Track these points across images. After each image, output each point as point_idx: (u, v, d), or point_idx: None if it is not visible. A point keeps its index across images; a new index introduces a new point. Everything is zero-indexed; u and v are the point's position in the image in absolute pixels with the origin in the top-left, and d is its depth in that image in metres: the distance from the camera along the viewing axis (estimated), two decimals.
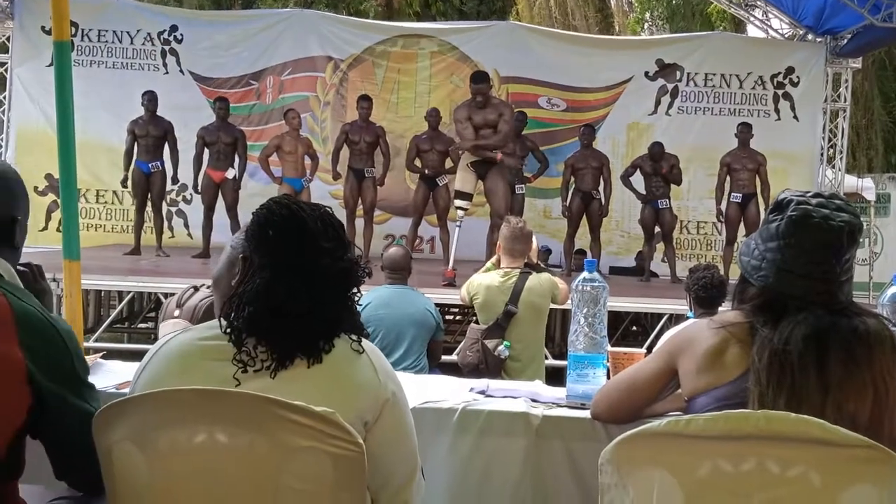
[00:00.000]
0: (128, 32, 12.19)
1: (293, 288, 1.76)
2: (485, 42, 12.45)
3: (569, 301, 2.88)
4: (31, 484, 1.85)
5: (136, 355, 2.13)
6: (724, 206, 10.30)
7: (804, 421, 1.56)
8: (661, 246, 10.80)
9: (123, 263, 9.53)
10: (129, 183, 10.20)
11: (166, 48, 12.22)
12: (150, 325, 10.13)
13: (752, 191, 10.12)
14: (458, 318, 9.40)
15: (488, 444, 2.24)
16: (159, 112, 10.22)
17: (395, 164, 10.87)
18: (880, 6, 10.53)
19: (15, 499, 1.80)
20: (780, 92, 12.35)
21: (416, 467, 1.89)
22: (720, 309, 4.79)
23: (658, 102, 12.43)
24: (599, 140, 10.97)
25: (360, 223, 9.98)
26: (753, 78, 12.34)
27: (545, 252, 10.43)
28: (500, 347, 4.99)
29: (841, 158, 12.67)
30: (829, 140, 12.62)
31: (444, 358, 5.59)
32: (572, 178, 10.37)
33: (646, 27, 21.86)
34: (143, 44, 12.21)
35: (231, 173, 10.15)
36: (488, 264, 5.40)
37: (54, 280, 5.19)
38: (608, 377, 2.35)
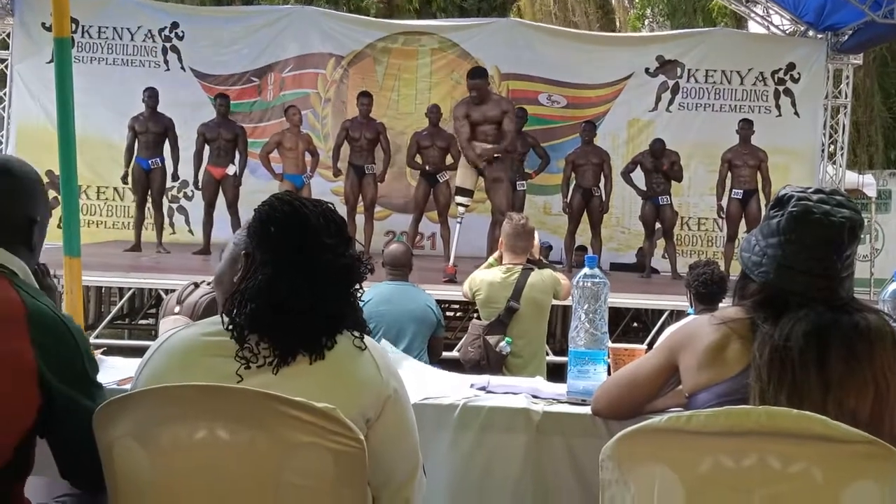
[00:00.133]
0: (128, 29, 12.17)
1: (295, 284, 1.76)
2: (485, 39, 12.43)
3: (570, 297, 2.88)
4: (37, 475, 1.85)
5: (137, 352, 2.14)
6: (724, 203, 10.31)
7: (805, 417, 1.56)
8: (661, 242, 10.80)
9: (124, 260, 9.53)
10: (130, 179, 10.19)
11: (167, 45, 12.21)
12: (151, 321, 10.14)
13: (753, 187, 10.12)
14: (458, 314, 9.40)
15: (489, 441, 2.24)
16: (160, 109, 10.21)
17: (396, 161, 10.88)
18: (881, 2, 10.52)
19: (20, 499, 1.80)
20: (780, 88, 12.33)
21: (417, 464, 1.89)
22: (721, 305, 4.80)
23: (659, 99, 12.42)
24: (600, 136, 10.96)
25: (360, 220, 9.98)
26: (754, 74, 12.33)
27: (546, 248, 10.43)
28: (502, 343, 4.98)
29: (842, 155, 12.66)
30: (830, 136, 12.61)
31: (445, 354, 5.59)
32: (573, 175, 10.37)
33: (646, 23, 21.84)
34: (144, 40, 12.19)
35: (231, 170, 10.15)
36: (490, 260, 5.39)
37: (55, 276, 5.18)
38: (609, 373, 2.35)
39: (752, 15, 13.52)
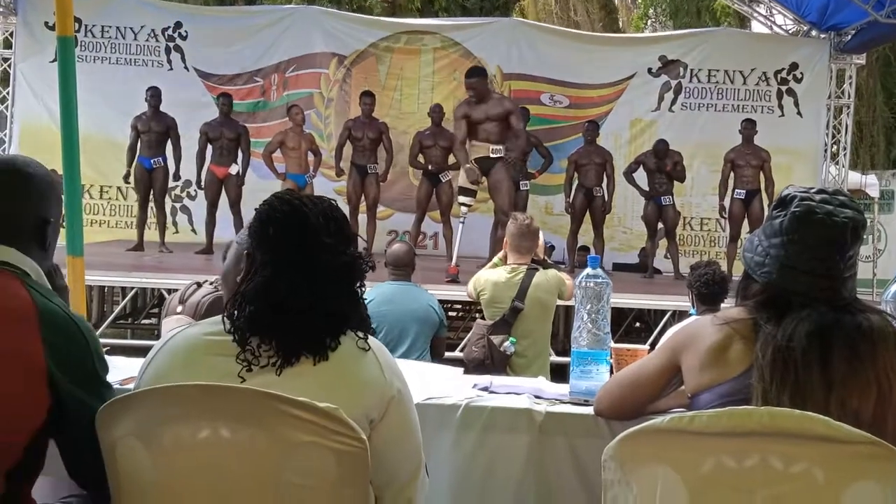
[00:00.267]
0: (131, 28, 12.18)
1: (294, 284, 1.76)
2: (488, 38, 12.44)
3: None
4: (42, 475, 1.86)
5: (140, 351, 2.14)
6: (727, 203, 10.29)
7: (808, 417, 1.56)
8: (663, 242, 10.80)
9: (127, 259, 9.54)
10: (132, 179, 10.21)
11: (171, 44, 12.22)
12: (154, 321, 10.15)
13: (755, 187, 10.11)
14: (461, 314, 9.40)
15: (491, 441, 2.24)
16: (164, 108, 10.22)
17: (398, 161, 10.88)
18: (884, 2, 10.51)
19: (27, 500, 1.80)
20: (783, 88, 12.33)
21: (420, 464, 1.89)
22: (723, 305, 4.80)
23: (661, 99, 12.42)
24: (602, 136, 10.96)
25: (363, 219, 9.98)
26: (757, 74, 12.33)
27: (549, 248, 10.43)
28: (506, 343, 4.99)
29: (845, 155, 12.66)
30: (833, 136, 12.59)
31: (448, 354, 5.59)
32: (576, 175, 10.37)
33: (649, 24, 21.83)
34: (147, 40, 12.21)
35: (234, 169, 10.16)
36: (495, 260, 5.40)
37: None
38: (611, 374, 2.35)
39: (755, 15, 13.52)
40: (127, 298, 9.23)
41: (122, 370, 2.35)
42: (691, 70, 12.39)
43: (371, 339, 1.83)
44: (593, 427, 2.16)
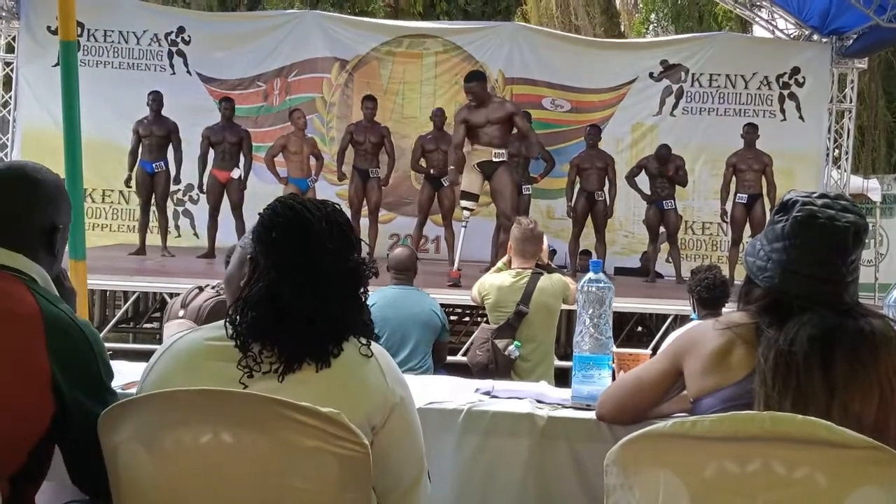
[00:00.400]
0: (134, 33, 12.21)
1: (298, 288, 1.76)
2: (489, 43, 12.46)
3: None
4: (45, 481, 1.86)
5: (142, 355, 2.15)
6: (729, 207, 10.29)
7: (810, 422, 1.56)
8: (665, 246, 10.80)
9: (129, 263, 9.55)
10: (134, 183, 10.22)
11: (173, 49, 12.24)
12: (156, 325, 10.14)
13: (757, 191, 10.10)
14: (463, 318, 9.39)
15: (493, 445, 2.23)
16: (167, 113, 10.24)
17: (400, 165, 10.89)
18: (886, 6, 10.51)
19: None
20: (785, 92, 12.33)
21: (423, 470, 1.89)
22: (724, 309, 4.79)
23: (663, 103, 12.42)
24: (604, 140, 10.95)
25: (364, 223, 9.98)
26: (759, 78, 12.32)
27: (551, 252, 10.43)
28: (511, 347, 4.99)
29: (846, 159, 12.64)
30: (835, 140, 12.59)
31: (450, 358, 5.58)
32: (577, 179, 10.37)
33: (651, 28, 21.83)
34: (150, 44, 12.23)
35: (236, 173, 10.17)
36: (499, 264, 5.41)
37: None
38: (613, 378, 2.35)
39: (757, 19, 13.52)
40: (129, 302, 9.22)
41: (124, 374, 2.34)
42: (693, 74, 12.39)
43: (374, 345, 1.83)
44: (595, 432, 2.16)
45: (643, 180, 10.46)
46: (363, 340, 1.80)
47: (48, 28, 11.51)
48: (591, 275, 2.33)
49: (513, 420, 2.24)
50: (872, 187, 14.64)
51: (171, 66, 12.25)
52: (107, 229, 12.15)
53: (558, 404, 2.32)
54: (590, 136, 10.55)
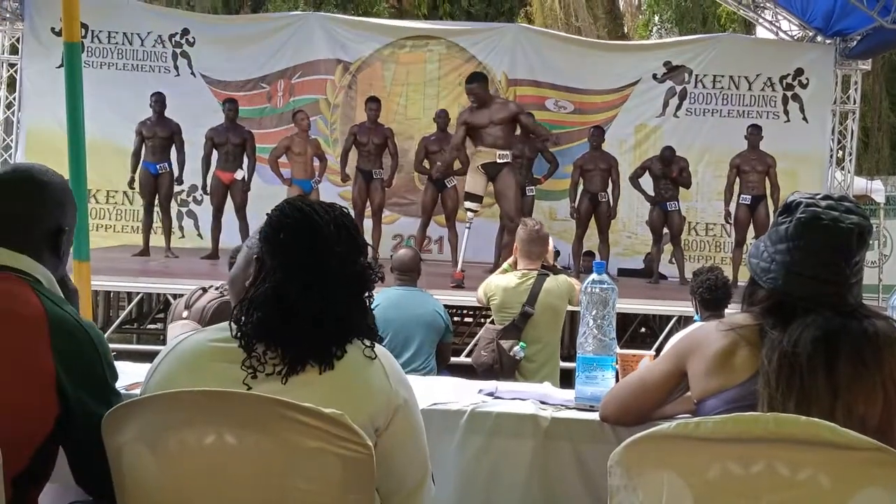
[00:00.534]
0: (138, 34, 12.22)
1: (304, 290, 1.76)
2: (493, 44, 12.45)
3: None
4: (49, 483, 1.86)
5: (146, 356, 2.15)
6: (732, 208, 10.28)
7: (814, 424, 1.56)
8: (668, 247, 10.79)
9: (132, 264, 9.56)
10: (137, 184, 10.23)
11: (177, 51, 12.25)
12: (160, 326, 10.14)
13: (761, 192, 10.09)
14: (466, 320, 9.39)
15: (497, 446, 2.23)
16: (171, 114, 10.25)
17: (404, 166, 10.90)
18: (890, 8, 10.49)
19: None
20: (789, 93, 12.31)
21: (426, 472, 1.89)
22: (727, 311, 4.79)
23: (666, 104, 12.41)
24: (607, 142, 10.93)
25: (368, 224, 9.98)
26: (762, 80, 12.30)
27: (554, 253, 10.44)
28: (516, 348, 5.00)
29: (850, 160, 12.62)
30: (839, 142, 12.57)
31: (453, 360, 5.58)
32: (581, 180, 10.37)
33: (654, 30, 21.81)
34: (154, 46, 12.24)
35: (240, 175, 10.17)
36: (505, 265, 5.42)
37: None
38: (617, 379, 2.35)
39: (761, 20, 13.50)
40: (133, 303, 9.23)
41: (127, 375, 2.35)
42: (696, 76, 12.38)
43: (377, 347, 1.83)
44: (599, 433, 2.16)
45: (647, 182, 10.45)
46: (367, 342, 1.80)
47: (52, 29, 11.53)
48: (594, 276, 2.33)
49: (516, 421, 2.24)
50: (876, 188, 14.63)
51: (176, 67, 12.26)
52: (110, 230, 12.16)
53: (562, 405, 2.32)
54: (593, 138, 10.54)
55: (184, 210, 12.10)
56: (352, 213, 1.92)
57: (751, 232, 10.02)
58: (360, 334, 1.81)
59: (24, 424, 1.70)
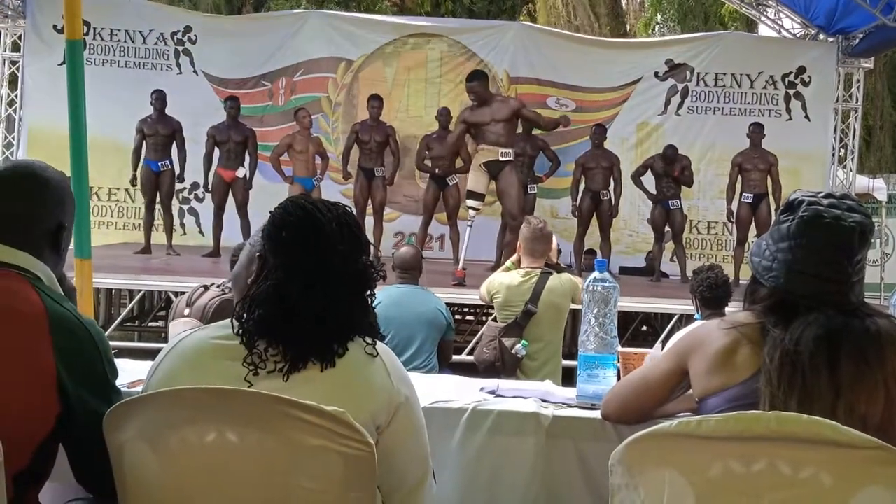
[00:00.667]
0: (140, 32, 12.22)
1: (306, 288, 1.76)
2: (494, 42, 12.45)
3: None
4: (49, 482, 1.86)
5: (147, 354, 2.15)
6: (734, 206, 10.28)
7: (815, 422, 1.56)
8: (670, 246, 10.78)
9: (134, 262, 9.57)
10: (139, 182, 10.24)
11: (180, 48, 12.25)
12: (161, 323, 10.16)
13: (763, 191, 10.09)
14: (468, 318, 9.39)
15: (498, 444, 2.23)
16: (174, 113, 10.25)
17: (405, 164, 10.90)
18: (893, 6, 10.47)
19: None
20: (791, 92, 12.30)
21: (427, 470, 1.89)
22: (728, 309, 4.79)
23: (668, 102, 12.40)
24: (609, 140, 10.91)
25: (370, 222, 9.99)
26: (764, 77, 12.29)
27: (557, 251, 10.43)
28: (518, 346, 5.00)
29: (852, 159, 12.62)
30: (841, 140, 12.57)
31: (455, 357, 5.58)
32: (583, 178, 10.36)
33: (657, 29, 21.78)
34: (156, 44, 12.24)
35: (242, 172, 10.17)
36: (508, 263, 5.41)
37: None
38: (618, 378, 2.35)
39: (763, 18, 13.49)
40: (134, 301, 9.25)
41: (129, 373, 2.35)
42: (698, 74, 12.37)
43: (379, 344, 1.83)
44: (600, 431, 2.16)
45: (649, 180, 10.45)
46: (368, 340, 1.81)
47: (54, 27, 11.53)
48: (596, 274, 2.33)
49: (518, 419, 2.24)
50: (878, 187, 14.61)
51: (178, 65, 12.26)
52: (112, 227, 12.17)
53: (563, 403, 2.32)
54: (595, 136, 10.53)
55: (185, 207, 12.11)
56: (354, 211, 1.92)
57: (752, 230, 10.02)
58: (362, 332, 1.81)
59: (26, 423, 1.70)
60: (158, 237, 10.43)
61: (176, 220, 11.17)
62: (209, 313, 4.05)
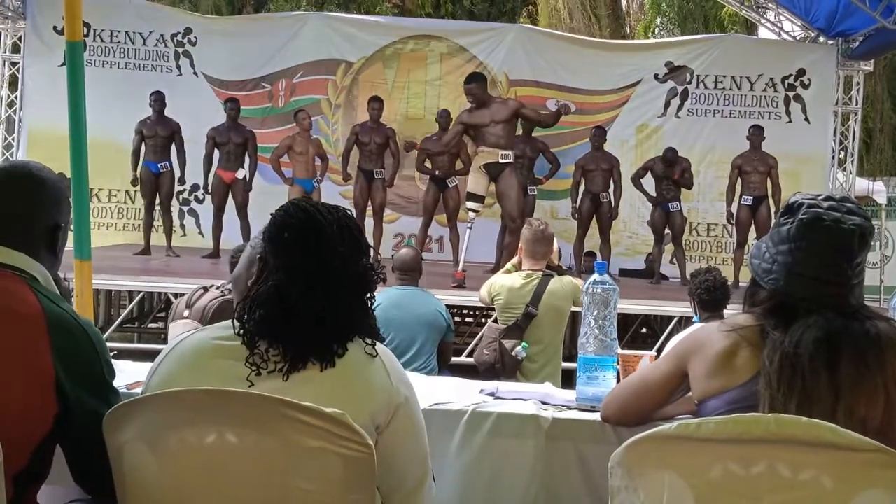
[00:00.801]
0: (140, 34, 12.23)
1: (306, 290, 1.77)
2: (494, 45, 12.46)
3: None
4: (47, 484, 1.86)
5: (147, 355, 2.15)
6: (734, 209, 10.28)
7: (815, 425, 1.56)
8: (670, 248, 10.79)
9: (134, 263, 9.57)
10: (138, 183, 10.24)
11: (180, 50, 12.26)
12: (161, 325, 10.15)
13: (762, 193, 10.10)
14: (467, 319, 9.39)
15: (498, 446, 2.23)
16: (174, 114, 10.26)
17: (405, 166, 10.90)
18: (893, 8, 10.49)
19: None
20: (791, 94, 12.31)
21: (427, 471, 1.89)
22: (727, 311, 4.78)
23: (668, 105, 12.40)
24: (608, 142, 10.92)
25: (369, 223, 9.99)
26: (764, 80, 12.30)
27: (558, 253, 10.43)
28: (518, 348, 5.00)
29: (852, 161, 12.62)
30: (841, 143, 12.57)
31: (454, 359, 5.58)
32: (582, 180, 10.37)
33: (656, 32, 21.78)
34: (156, 45, 12.25)
35: (241, 174, 10.18)
36: (508, 265, 5.41)
37: (66, 280, 5.21)
38: (618, 380, 2.35)
39: (763, 21, 13.50)
40: (134, 302, 9.24)
41: (128, 374, 2.35)
42: (698, 76, 12.38)
43: (378, 345, 1.83)
44: (600, 433, 2.16)
45: (648, 182, 10.45)
46: (368, 340, 1.81)
47: (54, 28, 11.54)
48: (595, 276, 2.33)
49: (517, 421, 2.24)
50: (878, 189, 14.62)
51: (178, 67, 12.27)
52: (112, 229, 12.17)
53: (563, 406, 2.32)
54: (595, 138, 10.53)
55: (185, 209, 12.11)
56: (354, 213, 1.92)
57: (752, 233, 10.02)
58: (362, 334, 1.82)
59: (24, 423, 1.69)
60: (158, 238, 10.43)
61: (176, 222, 11.18)
62: (209, 315, 4.05)
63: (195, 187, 11.37)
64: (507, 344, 5.02)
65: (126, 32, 12.20)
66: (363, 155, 10.18)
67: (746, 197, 10.16)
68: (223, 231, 10.21)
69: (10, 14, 12.02)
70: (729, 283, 5.15)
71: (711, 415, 1.77)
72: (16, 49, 12.26)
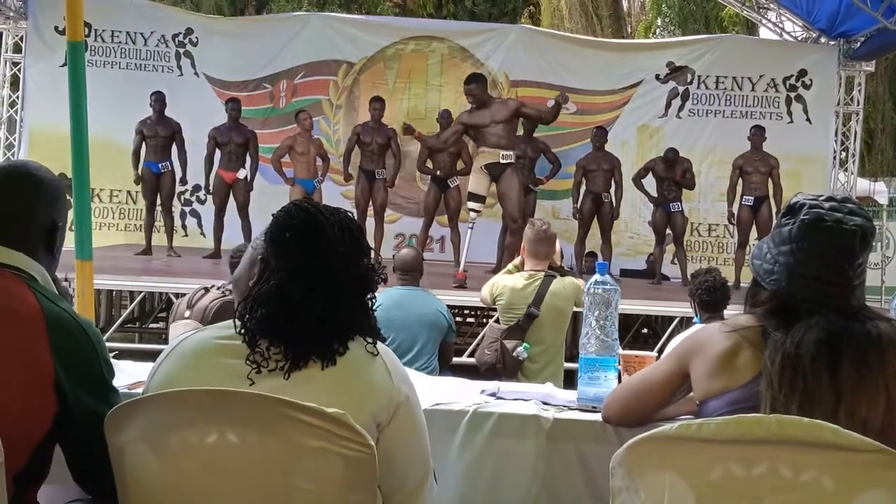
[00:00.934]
0: (141, 34, 12.23)
1: (307, 291, 1.77)
2: (495, 45, 12.46)
3: None
4: (46, 484, 1.86)
5: (148, 355, 2.16)
6: (735, 209, 10.28)
7: (816, 425, 1.56)
8: (671, 248, 10.78)
9: (135, 263, 9.57)
10: (141, 182, 10.25)
11: (181, 50, 12.26)
12: (162, 325, 10.15)
13: (764, 193, 10.10)
14: (468, 320, 9.39)
15: (499, 447, 2.23)
16: (175, 114, 10.26)
17: (406, 166, 10.90)
18: (894, 9, 10.48)
19: None
20: (792, 95, 12.30)
21: (428, 470, 1.89)
22: (727, 312, 4.78)
23: (669, 105, 12.40)
24: (609, 142, 10.92)
25: (371, 223, 9.99)
26: (766, 80, 12.29)
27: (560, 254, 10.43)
28: (519, 349, 5.00)
29: (853, 162, 12.62)
30: (842, 143, 12.57)
31: (455, 359, 5.57)
32: (584, 181, 10.37)
33: (657, 33, 21.78)
34: (157, 45, 12.25)
35: (243, 174, 10.18)
36: (510, 266, 5.40)
37: (66, 280, 5.21)
38: (619, 380, 2.35)
39: (764, 21, 13.49)
40: (135, 303, 9.25)
41: (129, 374, 2.35)
42: (699, 76, 12.37)
43: (379, 344, 1.84)
44: (601, 434, 2.16)
45: (650, 182, 10.45)
46: (369, 339, 1.82)
47: (56, 28, 11.55)
48: (597, 276, 2.33)
49: (519, 421, 2.24)
50: (879, 190, 14.63)
51: (179, 67, 12.27)
52: (113, 229, 12.17)
53: (564, 406, 2.31)
54: (596, 139, 10.54)
55: (187, 209, 12.12)
56: (355, 213, 1.93)
57: (753, 233, 10.02)
58: (363, 333, 1.82)
59: (24, 423, 1.69)
60: (159, 238, 10.43)
61: (177, 222, 11.18)
62: (210, 315, 4.05)
63: (197, 188, 11.38)
64: (509, 344, 5.02)
65: (127, 32, 12.20)
66: (364, 155, 10.18)
67: (748, 197, 10.16)
68: (224, 231, 10.21)
69: (11, 14, 12.03)
70: (729, 284, 5.15)
71: (713, 415, 1.77)
72: (17, 49, 12.27)
